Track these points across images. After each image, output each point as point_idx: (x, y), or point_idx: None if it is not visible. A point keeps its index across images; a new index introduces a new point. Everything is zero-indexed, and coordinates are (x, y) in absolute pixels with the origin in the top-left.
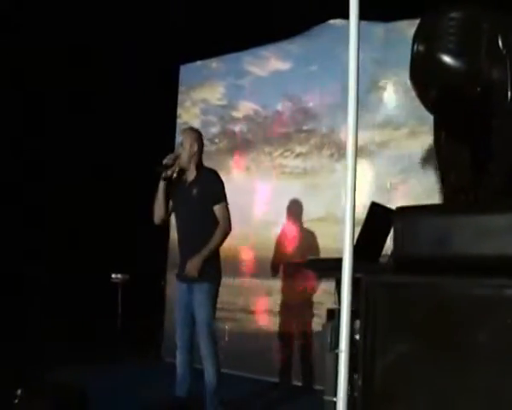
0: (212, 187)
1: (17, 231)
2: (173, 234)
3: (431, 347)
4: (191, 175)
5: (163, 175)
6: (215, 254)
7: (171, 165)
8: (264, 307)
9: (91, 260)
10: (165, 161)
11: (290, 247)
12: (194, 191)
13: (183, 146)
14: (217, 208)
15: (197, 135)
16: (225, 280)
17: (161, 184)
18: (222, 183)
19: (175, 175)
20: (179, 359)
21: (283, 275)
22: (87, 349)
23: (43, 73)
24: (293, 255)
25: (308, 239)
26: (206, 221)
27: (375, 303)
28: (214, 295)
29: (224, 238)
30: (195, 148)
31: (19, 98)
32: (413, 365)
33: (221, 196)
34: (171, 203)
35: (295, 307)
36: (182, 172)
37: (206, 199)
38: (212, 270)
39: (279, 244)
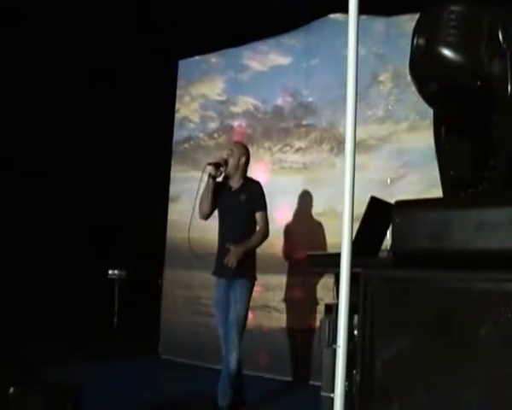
0: (256, 196)
1: (13, 227)
2: (171, 231)
3: (430, 342)
4: (237, 183)
5: (212, 173)
6: (252, 255)
7: (221, 166)
8: (261, 303)
9: (88, 255)
10: (215, 161)
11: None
12: (239, 198)
13: (233, 156)
14: (258, 215)
15: (246, 150)
16: None
17: (210, 182)
18: (264, 193)
19: (220, 179)
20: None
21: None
22: (83, 346)
23: (44, 70)
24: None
25: (314, 234)
26: (247, 225)
27: (373, 298)
28: (250, 293)
29: (262, 240)
30: (243, 160)
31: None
32: (412, 360)
33: (263, 205)
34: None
35: (295, 303)
36: (226, 178)
37: (249, 205)
38: (250, 269)
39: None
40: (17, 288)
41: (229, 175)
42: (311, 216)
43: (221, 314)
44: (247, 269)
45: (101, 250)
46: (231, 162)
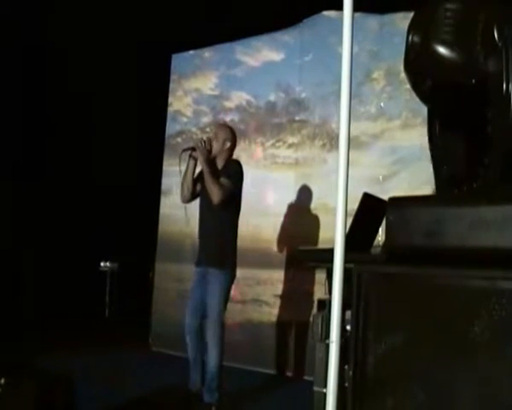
0: (232, 173)
1: (4, 220)
2: (163, 224)
3: (422, 338)
4: (219, 166)
5: (192, 155)
6: (233, 249)
7: (195, 149)
8: (252, 297)
9: (80, 247)
10: (194, 144)
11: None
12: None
13: (217, 139)
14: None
15: (232, 134)
16: None
17: (190, 164)
18: (241, 170)
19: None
20: (189, 343)
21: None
22: (74, 337)
23: (34, 62)
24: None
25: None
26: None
27: (366, 294)
28: (227, 287)
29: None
30: (228, 145)
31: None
32: (404, 356)
33: (236, 179)
34: (198, 187)
35: (286, 297)
36: (212, 161)
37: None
38: (228, 263)
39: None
40: (8, 279)
41: (214, 157)
42: (304, 210)
43: (192, 302)
44: (224, 263)
45: (93, 242)
46: (215, 145)
